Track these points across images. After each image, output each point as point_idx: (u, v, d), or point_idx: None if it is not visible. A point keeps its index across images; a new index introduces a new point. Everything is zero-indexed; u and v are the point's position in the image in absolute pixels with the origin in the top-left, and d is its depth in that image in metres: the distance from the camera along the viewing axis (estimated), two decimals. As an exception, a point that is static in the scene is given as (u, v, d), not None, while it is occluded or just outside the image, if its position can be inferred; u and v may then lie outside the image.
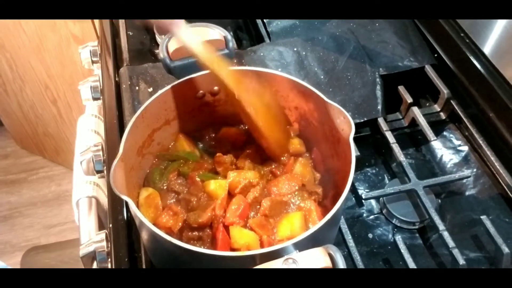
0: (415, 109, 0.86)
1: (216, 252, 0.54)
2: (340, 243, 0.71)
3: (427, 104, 0.92)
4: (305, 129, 0.73)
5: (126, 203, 0.55)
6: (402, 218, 0.77)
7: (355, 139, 0.61)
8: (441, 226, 0.72)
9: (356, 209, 0.80)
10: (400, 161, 0.80)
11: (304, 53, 0.89)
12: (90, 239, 0.74)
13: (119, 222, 0.72)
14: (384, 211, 0.79)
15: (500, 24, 0.85)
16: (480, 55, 0.84)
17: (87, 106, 0.99)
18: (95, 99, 0.93)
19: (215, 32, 0.70)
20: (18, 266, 1.71)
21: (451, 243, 0.70)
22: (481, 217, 0.73)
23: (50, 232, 1.93)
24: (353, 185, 0.81)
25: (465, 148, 0.85)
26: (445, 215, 0.78)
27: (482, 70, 0.82)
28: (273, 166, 0.70)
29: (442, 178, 0.79)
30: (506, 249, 0.69)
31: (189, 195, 0.65)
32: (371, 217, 0.79)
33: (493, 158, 0.80)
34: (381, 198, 0.79)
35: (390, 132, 0.83)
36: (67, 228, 1.93)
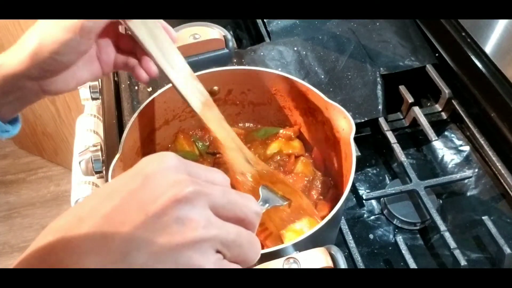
0: (416, 109, 0.86)
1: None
2: (341, 243, 0.71)
3: (428, 104, 0.92)
4: (305, 129, 0.72)
5: (125, 203, 0.55)
6: (403, 218, 0.76)
7: (355, 139, 0.61)
8: (442, 227, 0.71)
9: (356, 210, 0.79)
10: (401, 161, 0.79)
11: (304, 52, 0.88)
12: (89, 240, 0.74)
13: (118, 223, 0.71)
14: (385, 211, 0.79)
15: (501, 24, 0.85)
16: (481, 54, 0.83)
17: (86, 106, 0.99)
18: (94, 99, 0.93)
19: (215, 31, 0.70)
20: (17, 267, 1.70)
21: (452, 243, 0.69)
22: (483, 217, 0.73)
23: (49, 232, 1.93)
24: (353, 185, 0.80)
25: (467, 148, 0.85)
26: (447, 215, 0.78)
27: (483, 70, 0.81)
28: (272, 167, 0.69)
29: (444, 178, 0.78)
30: (508, 250, 0.69)
31: (189, 195, 0.65)
32: (372, 217, 0.79)
33: (494, 158, 0.80)
34: (382, 199, 0.79)
35: (391, 132, 0.83)
36: (66, 229, 1.92)
